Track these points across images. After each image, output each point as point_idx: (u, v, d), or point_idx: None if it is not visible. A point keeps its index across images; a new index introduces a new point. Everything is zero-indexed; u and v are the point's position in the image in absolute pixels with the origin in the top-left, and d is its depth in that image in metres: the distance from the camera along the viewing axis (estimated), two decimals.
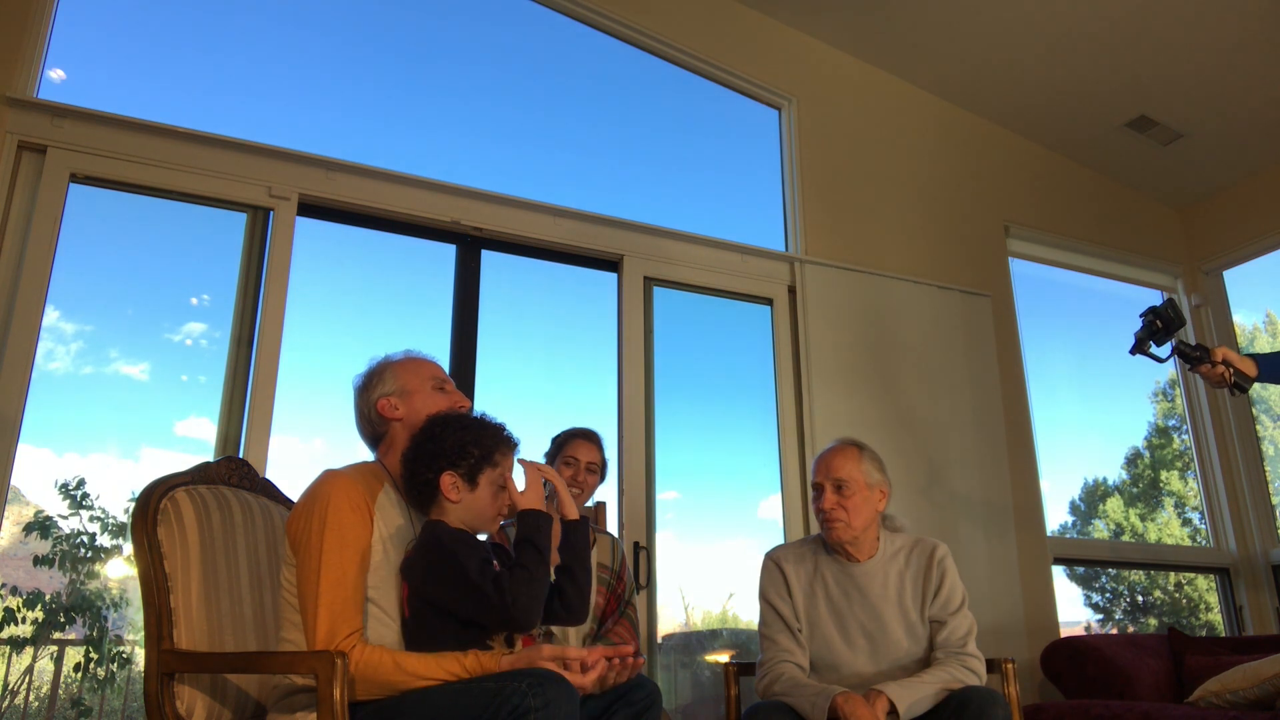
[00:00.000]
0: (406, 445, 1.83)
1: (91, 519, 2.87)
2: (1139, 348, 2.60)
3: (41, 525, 2.83)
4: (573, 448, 2.64)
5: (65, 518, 2.85)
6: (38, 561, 2.82)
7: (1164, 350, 2.60)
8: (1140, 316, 2.61)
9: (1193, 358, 2.57)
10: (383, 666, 1.63)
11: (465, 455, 1.76)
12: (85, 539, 2.87)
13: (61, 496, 2.84)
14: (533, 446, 2.78)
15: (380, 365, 1.99)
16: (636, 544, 3.40)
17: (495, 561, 1.74)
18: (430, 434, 1.79)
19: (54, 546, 2.83)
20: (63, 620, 2.84)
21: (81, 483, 2.87)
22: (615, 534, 3.38)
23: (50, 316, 2.89)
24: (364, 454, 2.00)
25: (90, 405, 2.95)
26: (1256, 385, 2.70)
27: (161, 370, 3.05)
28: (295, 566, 1.74)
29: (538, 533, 1.74)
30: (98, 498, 2.89)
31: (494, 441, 1.80)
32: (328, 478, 1.78)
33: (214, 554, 1.87)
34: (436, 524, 1.75)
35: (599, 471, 2.67)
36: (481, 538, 1.85)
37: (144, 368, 3.03)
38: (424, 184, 3.40)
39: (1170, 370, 5.13)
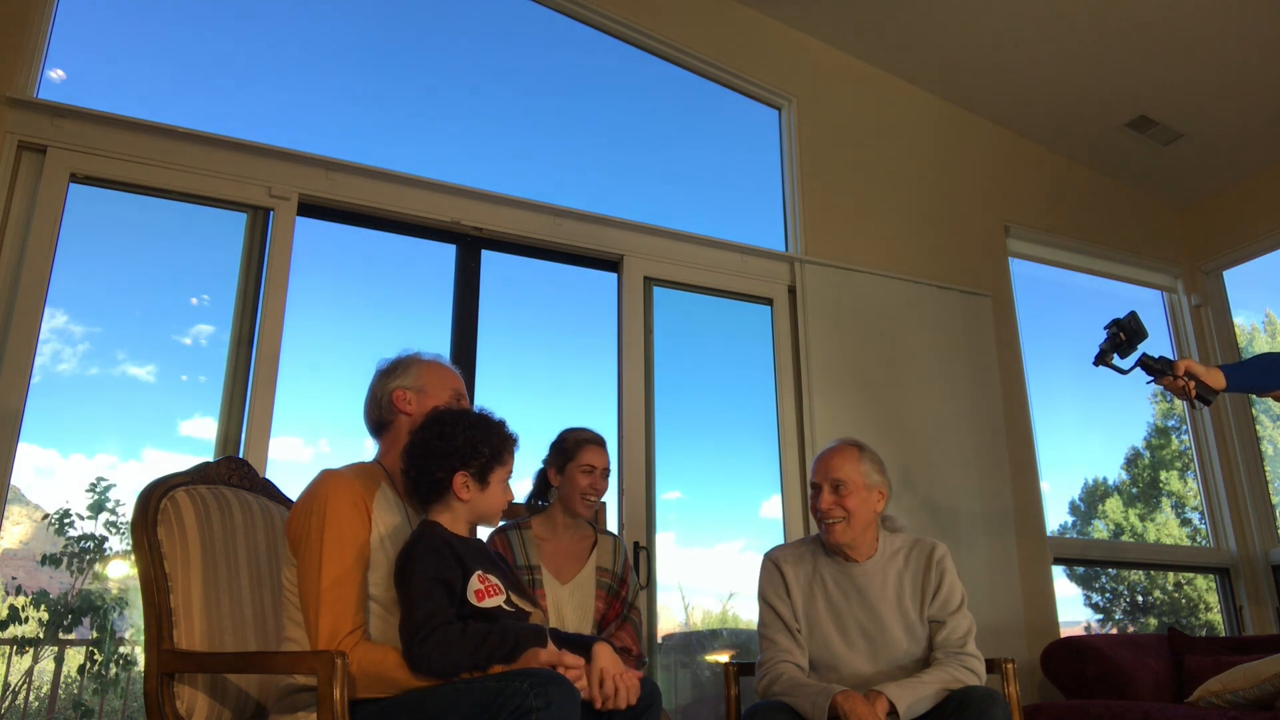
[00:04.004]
0: (410, 439, 1.83)
1: (108, 524, 2.88)
2: (1102, 359, 2.62)
3: (60, 523, 2.83)
4: (589, 455, 2.58)
5: (83, 518, 2.86)
6: (45, 561, 2.82)
7: (1127, 362, 2.61)
8: (1104, 329, 2.63)
9: (1155, 370, 2.59)
10: (384, 665, 1.63)
11: (476, 454, 1.76)
12: (94, 541, 2.87)
13: (91, 496, 2.85)
14: (532, 446, 2.78)
15: (409, 357, 2.02)
16: (636, 544, 3.39)
17: (487, 574, 1.72)
18: (439, 431, 1.78)
19: (65, 547, 2.84)
20: (68, 621, 2.84)
21: (109, 486, 2.87)
22: (616, 533, 3.37)
23: (59, 319, 2.90)
24: (367, 455, 2.00)
25: (97, 406, 2.96)
26: None
27: (168, 371, 3.06)
28: (295, 566, 1.74)
29: (516, 647, 1.63)
30: (121, 504, 2.89)
31: (501, 440, 1.81)
32: (326, 477, 1.78)
33: (214, 554, 1.87)
34: (431, 525, 1.75)
35: (609, 473, 2.65)
36: (484, 534, 1.86)
37: (151, 369, 3.04)
38: (424, 184, 3.40)
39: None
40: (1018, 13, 4.11)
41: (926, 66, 4.54)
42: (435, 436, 1.78)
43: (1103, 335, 2.65)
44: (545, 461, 2.68)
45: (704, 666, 3.66)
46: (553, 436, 2.70)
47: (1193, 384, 2.54)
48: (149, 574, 1.78)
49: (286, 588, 1.78)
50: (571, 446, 2.60)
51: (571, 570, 2.56)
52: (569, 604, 2.51)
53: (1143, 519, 5.00)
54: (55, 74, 3.04)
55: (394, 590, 1.72)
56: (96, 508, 2.86)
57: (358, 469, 1.87)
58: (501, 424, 1.84)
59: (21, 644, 2.82)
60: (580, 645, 1.77)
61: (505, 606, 1.71)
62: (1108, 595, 4.97)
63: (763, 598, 2.42)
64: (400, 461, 1.82)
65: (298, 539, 1.75)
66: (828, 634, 2.32)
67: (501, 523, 2.64)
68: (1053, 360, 4.84)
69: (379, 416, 1.97)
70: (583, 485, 2.56)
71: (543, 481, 2.69)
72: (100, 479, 2.87)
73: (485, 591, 1.69)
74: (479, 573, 1.71)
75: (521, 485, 3.09)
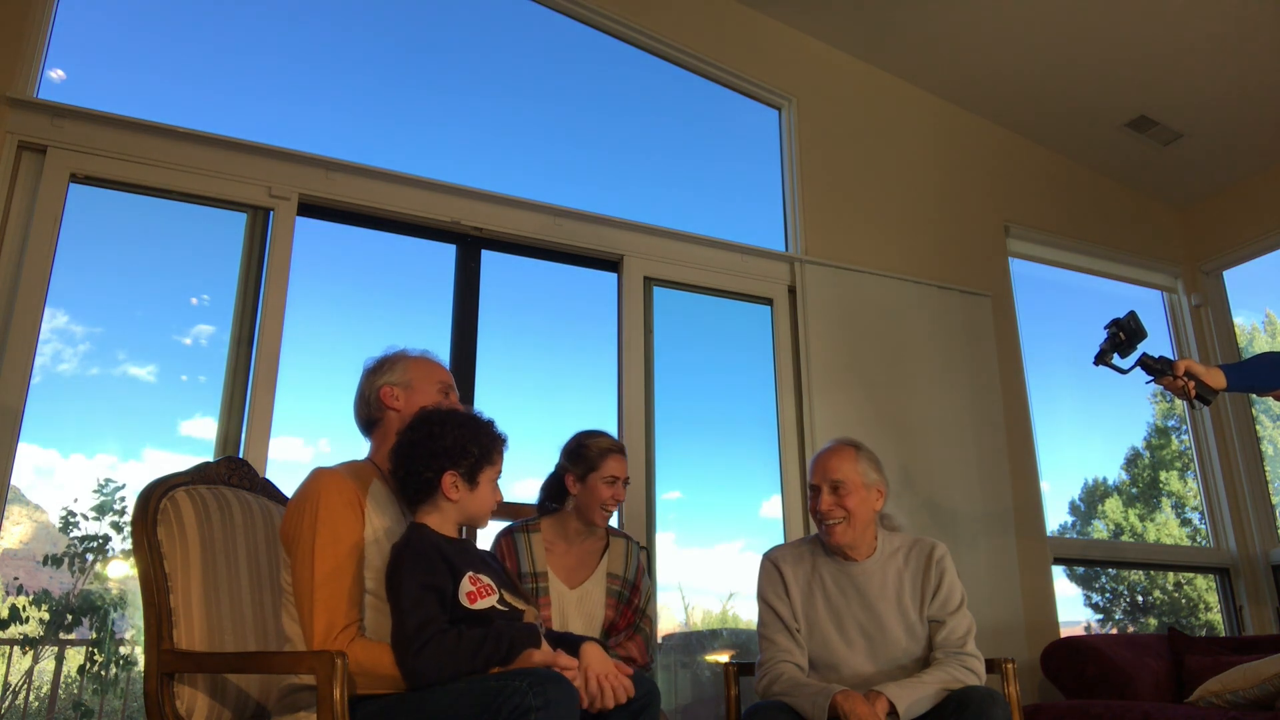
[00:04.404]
0: (398, 440, 1.82)
1: (113, 525, 2.88)
2: (1102, 359, 2.63)
3: (66, 523, 2.83)
4: (613, 466, 2.49)
5: (89, 519, 2.86)
6: (46, 561, 2.82)
7: (1127, 362, 2.62)
8: (1104, 329, 2.64)
9: (1155, 369, 2.60)
10: (381, 662, 1.63)
11: (465, 454, 1.76)
12: (97, 541, 2.87)
13: (98, 497, 2.85)
14: (534, 447, 2.78)
15: (395, 354, 2.04)
16: (636, 544, 3.39)
17: (478, 575, 1.71)
18: (428, 431, 1.78)
19: (68, 548, 2.83)
20: (69, 621, 2.84)
21: (118, 488, 2.87)
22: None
23: (60, 319, 2.90)
24: (363, 454, 2.00)
25: (98, 406, 2.95)
26: None
27: (169, 372, 3.06)
28: (290, 565, 1.75)
29: (511, 649, 1.63)
30: (124, 499, 2.89)
31: (490, 440, 1.81)
32: (318, 475, 1.79)
33: (214, 554, 1.87)
34: (418, 529, 1.74)
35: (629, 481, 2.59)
36: (487, 536, 1.85)
37: (151, 369, 3.04)
38: (424, 184, 3.39)
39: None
40: (1018, 13, 4.11)
41: (927, 66, 4.54)
42: (424, 436, 1.77)
43: (1102, 335, 2.65)
44: (562, 467, 2.58)
45: (704, 666, 3.66)
46: (552, 436, 2.68)
47: (1192, 384, 2.55)
48: (149, 574, 1.78)
49: (285, 590, 1.78)
50: (595, 456, 2.51)
51: (580, 576, 2.51)
52: (576, 612, 2.46)
53: (1143, 519, 5.00)
54: (55, 74, 3.04)
55: None
56: (103, 509, 2.86)
57: (349, 467, 1.87)
58: (490, 424, 1.83)
59: (22, 644, 2.82)
60: (572, 644, 1.77)
61: (499, 606, 1.70)
62: (1108, 595, 4.98)
63: (762, 598, 2.41)
64: (389, 461, 1.82)
65: (291, 538, 1.75)
66: (827, 633, 2.32)
67: (509, 524, 2.62)
68: (1053, 360, 4.85)
69: (368, 414, 1.98)
70: (605, 496, 2.48)
71: (557, 485, 2.58)
72: (108, 480, 2.88)
73: (477, 593, 1.68)
74: (470, 574, 1.69)
75: (525, 485, 3.08)
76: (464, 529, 1.84)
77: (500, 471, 1.83)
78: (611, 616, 2.52)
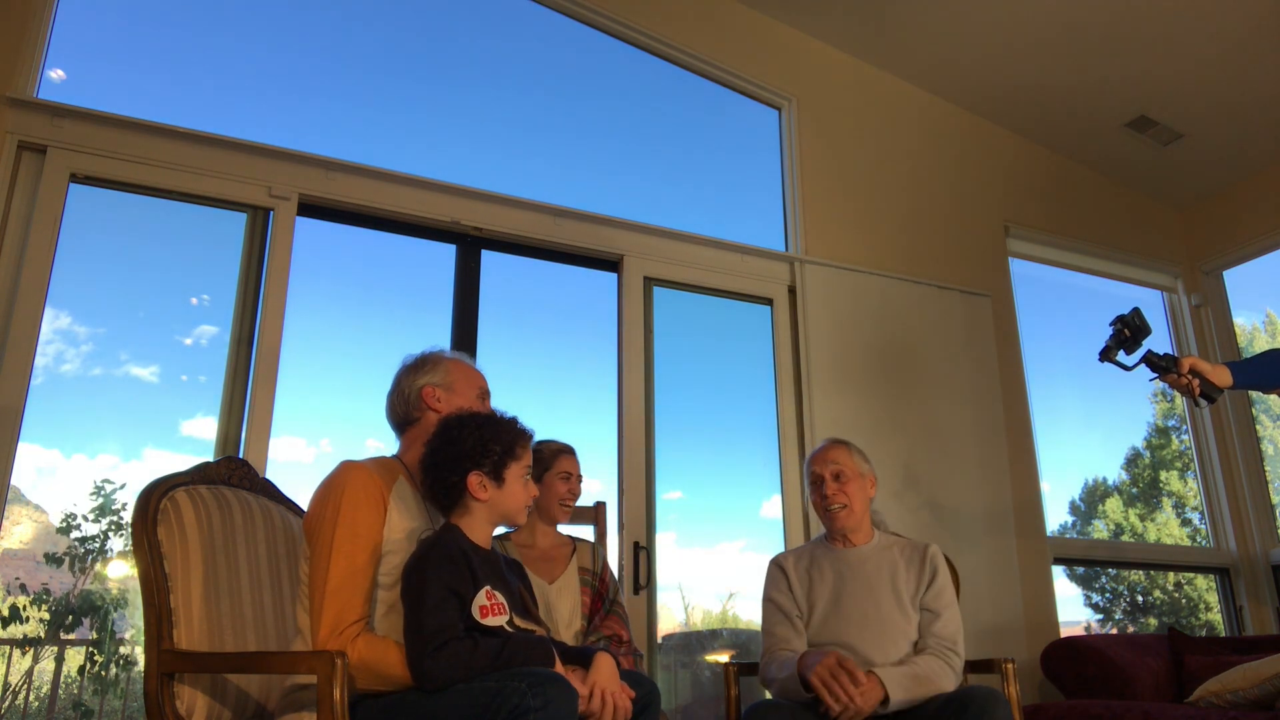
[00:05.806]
0: (423, 452, 1.83)
1: (110, 525, 2.88)
2: (1107, 356, 2.65)
3: (67, 525, 2.83)
4: (565, 463, 2.69)
5: (89, 519, 2.86)
6: (47, 560, 2.82)
7: (1131, 359, 2.62)
8: (1110, 325, 2.65)
9: (1160, 367, 2.60)
10: (385, 661, 1.63)
11: (488, 453, 1.77)
12: (97, 541, 2.88)
13: (97, 499, 2.85)
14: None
15: (436, 354, 2.04)
16: (636, 544, 3.39)
17: (494, 592, 1.70)
18: (448, 437, 1.80)
19: (68, 549, 2.83)
20: (69, 621, 2.84)
21: (116, 489, 2.88)
22: (615, 533, 3.39)
23: (63, 320, 2.90)
24: (369, 454, 2.00)
25: (100, 406, 2.95)
26: None
27: (170, 372, 3.06)
28: (309, 555, 1.75)
29: (527, 658, 1.64)
30: (123, 506, 2.89)
31: (512, 435, 1.82)
32: (345, 468, 1.80)
33: (214, 554, 1.88)
34: (451, 530, 1.75)
35: (581, 479, 2.75)
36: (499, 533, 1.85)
37: (153, 369, 3.04)
38: (424, 184, 3.40)
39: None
40: (1018, 13, 4.11)
41: (927, 66, 4.54)
42: (445, 443, 1.79)
43: (1104, 334, 2.65)
44: None
45: (704, 666, 3.66)
46: (551, 437, 2.74)
47: (1197, 382, 2.54)
48: (149, 574, 1.78)
49: (302, 580, 1.78)
50: (549, 456, 2.69)
51: (556, 571, 2.63)
52: (558, 600, 2.56)
53: (1143, 519, 5.00)
54: (55, 74, 3.04)
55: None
56: (102, 510, 2.86)
57: (377, 462, 1.88)
58: (513, 421, 1.85)
59: (22, 644, 2.82)
60: (583, 658, 1.78)
61: (507, 628, 1.70)
62: (1108, 595, 4.97)
63: (766, 597, 2.56)
64: (419, 474, 1.84)
65: (312, 528, 1.76)
66: (827, 614, 2.45)
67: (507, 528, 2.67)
68: (1053, 360, 4.85)
69: (405, 413, 1.97)
70: (561, 492, 2.65)
71: None
72: (106, 480, 2.87)
73: (490, 609, 1.68)
74: (487, 589, 1.70)
75: None
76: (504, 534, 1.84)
77: (529, 466, 1.84)
78: (588, 603, 2.65)
